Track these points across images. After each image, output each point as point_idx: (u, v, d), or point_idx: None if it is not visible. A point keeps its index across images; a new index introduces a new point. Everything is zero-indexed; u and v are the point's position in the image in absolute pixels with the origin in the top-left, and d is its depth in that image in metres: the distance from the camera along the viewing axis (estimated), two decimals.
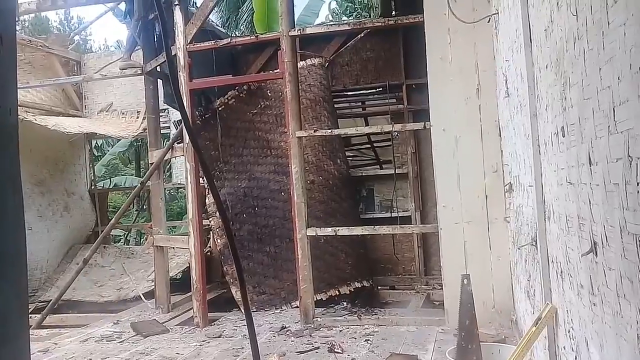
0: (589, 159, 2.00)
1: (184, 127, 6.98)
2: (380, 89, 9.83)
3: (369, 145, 10.67)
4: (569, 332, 3.02)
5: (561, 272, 3.04)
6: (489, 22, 5.97)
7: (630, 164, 1.55)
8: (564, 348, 3.21)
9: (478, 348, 3.69)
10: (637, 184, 1.51)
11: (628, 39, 1.54)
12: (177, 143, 7.50)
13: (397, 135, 9.74)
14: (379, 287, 9.38)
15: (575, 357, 2.87)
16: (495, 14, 5.60)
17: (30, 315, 8.34)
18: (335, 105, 9.67)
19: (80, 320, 8.15)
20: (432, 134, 6.40)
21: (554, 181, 2.84)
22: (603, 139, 1.81)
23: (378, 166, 10.51)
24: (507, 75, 5.03)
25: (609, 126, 1.74)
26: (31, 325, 7.85)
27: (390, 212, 9.54)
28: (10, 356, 0.67)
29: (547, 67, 2.83)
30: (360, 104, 10.36)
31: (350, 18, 17.43)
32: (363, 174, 10.21)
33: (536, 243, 3.72)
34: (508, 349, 3.68)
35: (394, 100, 9.70)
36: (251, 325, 1.74)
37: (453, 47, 6.30)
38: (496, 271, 6.17)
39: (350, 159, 10.36)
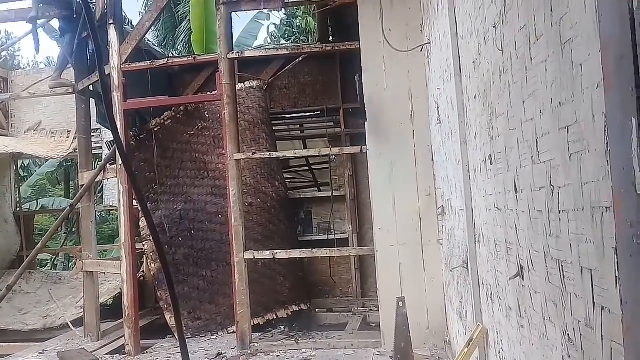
0: (515, 186, 2.10)
1: (116, 148, 6.79)
2: (319, 112, 9.94)
3: (307, 168, 10.75)
4: (499, 352, 3.12)
5: (491, 294, 3.15)
6: (421, 51, 6.20)
7: (552, 193, 1.64)
8: None
9: None
10: (559, 211, 1.60)
11: (549, 74, 1.64)
12: (110, 164, 7.27)
13: (334, 158, 9.86)
14: (317, 310, 9.37)
15: None
16: (427, 43, 5.82)
17: None
18: (274, 128, 9.69)
19: (3, 350, 7.68)
20: (369, 158, 6.53)
21: (483, 206, 2.96)
22: (527, 168, 1.91)
23: (316, 188, 10.57)
24: (438, 103, 5.21)
25: (532, 156, 1.84)
26: None
27: (327, 235, 9.59)
28: None
29: (475, 98, 2.96)
30: (298, 126, 10.43)
31: (288, 42, 17.59)
32: (301, 196, 10.23)
33: (467, 265, 3.84)
34: None
35: (332, 124, 9.84)
36: (185, 353, 1.70)
37: (388, 74, 6.47)
38: (430, 292, 6.30)
39: (289, 181, 10.38)
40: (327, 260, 9.45)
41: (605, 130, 1.19)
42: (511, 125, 2.10)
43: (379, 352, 6.21)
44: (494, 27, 2.28)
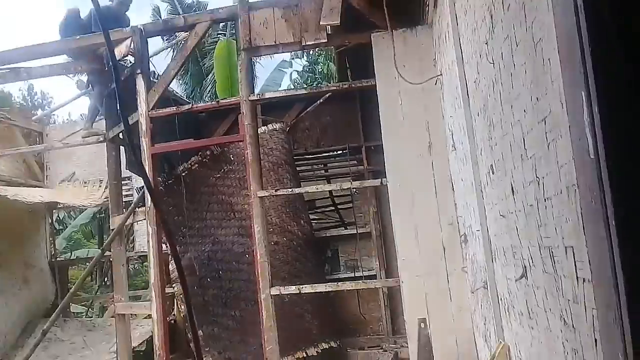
0: (512, 188, 2.20)
1: (145, 190, 7.06)
2: (341, 151, 10.16)
3: (332, 208, 10.87)
4: None
5: (507, 306, 3.19)
6: (435, 84, 6.37)
7: (539, 184, 1.75)
8: None
9: None
10: (544, 199, 1.70)
11: (528, 75, 1.78)
12: (139, 207, 7.53)
13: (356, 192, 9.99)
14: (347, 349, 9.31)
15: None
16: (439, 75, 6.00)
17: None
18: (298, 168, 9.91)
19: None
20: (389, 190, 6.63)
21: (493, 219, 3.04)
22: (519, 168, 2.02)
23: (343, 227, 10.66)
24: (452, 130, 5.34)
25: (521, 154, 1.95)
26: None
27: (354, 272, 9.63)
28: None
29: (478, 115, 3.09)
30: (322, 166, 10.64)
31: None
32: (327, 235, 10.32)
33: (487, 284, 3.88)
34: None
35: (355, 162, 10.02)
36: None
37: (404, 107, 6.64)
38: (457, 321, 6.25)
39: (315, 221, 10.50)
40: (356, 297, 9.44)
41: (566, 111, 1.31)
42: (504, 130, 2.22)
43: None
44: (486, 43, 2.43)
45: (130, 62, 7.17)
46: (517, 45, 1.89)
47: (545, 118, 1.59)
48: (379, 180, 7.01)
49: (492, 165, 2.60)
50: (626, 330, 1.03)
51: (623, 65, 1.06)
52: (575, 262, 1.47)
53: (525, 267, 2.24)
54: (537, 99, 1.66)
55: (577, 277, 1.48)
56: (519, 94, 1.92)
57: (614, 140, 1.04)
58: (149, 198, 6.45)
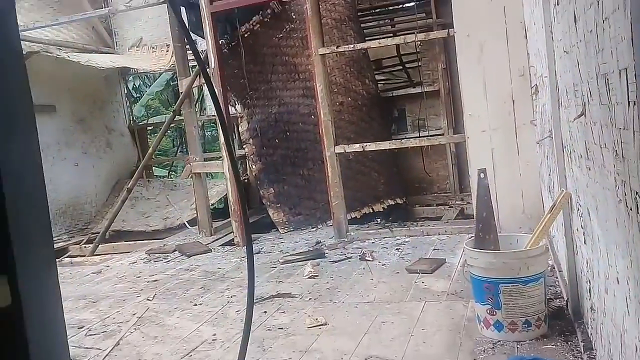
0: (575, 16, 2.00)
1: (209, 52, 7.07)
2: (409, 3, 9.60)
3: (400, 67, 10.52)
4: (579, 211, 3.07)
5: (570, 152, 3.07)
6: None
7: (597, 3, 1.57)
8: (577, 230, 3.28)
9: (496, 238, 3.78)
10: (603, 21, 1.53)
11: None
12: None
13: (422, 47, 9.58)
14: (414, 205, 9.51)
15: (584, 234, 2.93)
16: None
17: (85, 246, 8.90)
18: (363, 25, 9.53)
19: (130, 247, 8.64)
20: (456, 41, 6.29)
21: (559, 58, 2.82)
22: None
23: (410, 86, 10.39)
24: None
25: None
26: (85, 255, 8.39)
27: (419, 132, 9.53)
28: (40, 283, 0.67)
29: None
30: (388, 21, 10.16)
31: None
32: (394, 95, 10.12)
33: (552, 133, 3.72)
34: (526, 238, 3.77)
35: (424, 15, 9.49)
36: (251, 255, 1.88)
37: None
38: (525, 176, 6.16)
39: (382, 83, 10.27)
40: (421, 156, 9.44)
41: None
42: None
43: (472, 236, 6.26)
44: None
45: None
46: None
47: None
48: (446, 30, 6.64)
49: None
50: None
51: None
52: (627, 84, 1.35)
53: (584, 104, 2.10)
54: None
55: (628, 102, 1.36)
56: None
57: None
58: (212, 60, 6.47)
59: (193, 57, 9.72)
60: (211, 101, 11.52)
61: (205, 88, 10.02)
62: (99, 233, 8.99)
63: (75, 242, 9.28)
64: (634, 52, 1.20)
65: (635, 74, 1.18)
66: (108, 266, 7.21)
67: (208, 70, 7.08)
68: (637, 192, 1.39)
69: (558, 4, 2.36)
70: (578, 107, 2.29)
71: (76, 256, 8.45)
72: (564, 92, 2.76)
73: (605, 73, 1.60)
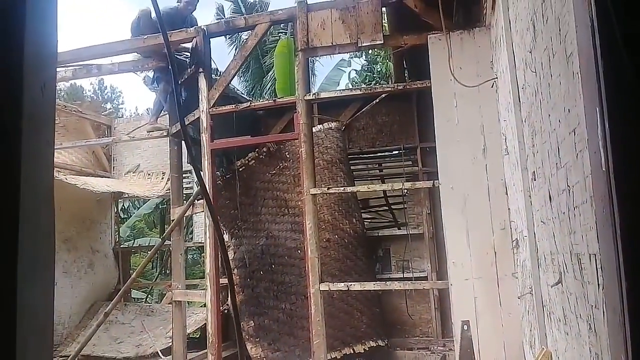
0: (549, 195, 2.24)
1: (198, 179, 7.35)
2: (396, 151, 10.19)
3: (386, 207, 10.90)
4: None
5: (549, 313, 3.19)
6: (492, 86, 6.33)
7: (569, 192, 1.80)
8: None
9: None
10: (574, 207, 1.75)
11: (562, 86, 1.82)
12: (198, 200, 7.86)
13: (407, 193, 10.00)
14: (396, 349, 9.35)
15: None
16: (495, 78, 5.96)
17: None
18: (352, 167, 10.02)
19: None
20: (441, 192, 6.64)
21: (537, 224, 3.06)
22: (554, 175, 2.06)
23: (395, 227, 10.68)
24: (505, 134, 5.31)
25: (556, 163, 2.00)
26: None
27: (403, 273, 9.65)
28: None
29: (524, 121, 3.11)
30: (376, 165, 10.70)
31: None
32: (379, 234, 10.37)
33: (532, 290, 3.87)
34: None
35: (410, 163, 10.03)
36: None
37: (459, 110, 6.63)
38: (507, 327, 6.20)
39: (368, 221, 10.57)
40: (404, 297, 9.47)
41: (586, 125, 1.36)
42: (543, 138, 2.26)
43: None
44: (530, 52, 2.47)
45: (187, 56, 7.48)
46: (553, 57, 1.93)
47: (574, 129, 1.64)
48: (432, 182, 7.03)
49: (534, 172, 2.64)
50: (627, 335, 1.09)
51: (634, 81, 1.12)
52: (597, 269, 1.53)
53: (560, 273, 2.28)
54: (569, 110, 1.71)
55: (598, 284, 1.53)
56: (555, 104, 1.97)
57: (620, 155, 1.10)
58: (205, 194, 6.71)
59: (187, 187, 10.04)
60: (199, 229, 11.68)
61: (194, 217, 10.21)
62: (67, 357, 8.65)
63: None
64: (598, 240, 1.38)
65: (602, 264, 1.36)
66: None
67: (202, 200, 7.32)
68: None
69: (535, 180, 2.62)
70: (555, 275, 2.46)
71: None
72: (542, 255, 2.95)
73: (577, 253, 1.78)
